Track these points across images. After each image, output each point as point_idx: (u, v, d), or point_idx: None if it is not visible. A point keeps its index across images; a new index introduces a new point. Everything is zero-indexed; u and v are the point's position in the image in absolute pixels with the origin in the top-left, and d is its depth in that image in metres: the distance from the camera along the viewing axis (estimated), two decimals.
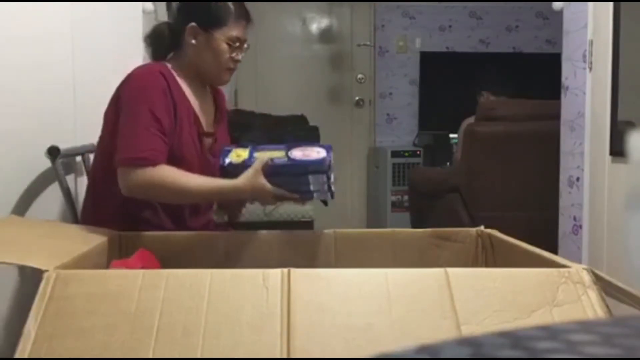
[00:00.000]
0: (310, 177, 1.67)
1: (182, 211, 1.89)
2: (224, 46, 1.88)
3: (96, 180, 1.93)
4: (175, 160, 1.78)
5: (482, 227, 1.76)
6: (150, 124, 1.74)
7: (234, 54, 1.90)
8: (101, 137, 1.92)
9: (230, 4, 1.90)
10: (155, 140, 1.73)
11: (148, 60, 2.03)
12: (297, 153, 1.69)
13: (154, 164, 1.71)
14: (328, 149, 1.71)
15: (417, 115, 5.60)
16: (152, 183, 1.70)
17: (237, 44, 1.90)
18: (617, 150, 2.51)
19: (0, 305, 1.91)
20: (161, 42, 1.97)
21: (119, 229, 1.73)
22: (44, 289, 1.13)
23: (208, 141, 1.95)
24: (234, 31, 1.89)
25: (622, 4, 2.48)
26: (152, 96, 1.77)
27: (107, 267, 1.55)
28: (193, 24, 1.89)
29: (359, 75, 5.63)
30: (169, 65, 1.90)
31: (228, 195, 1.76)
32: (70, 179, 2.25)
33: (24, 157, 2.07)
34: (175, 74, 1.88)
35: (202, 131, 1.93)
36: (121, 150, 1.73)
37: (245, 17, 1.93)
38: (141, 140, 1.72)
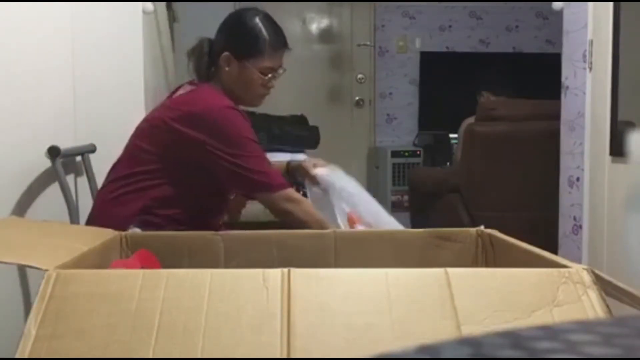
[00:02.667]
0: None
1: (209, 212, 1.97)
2: (257, 76, 1.91)
3: (120, 181, 1.93)
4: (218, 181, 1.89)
5: (482, 227, 1.76)
6: (262, 156, 1.90)
7: (265, 82, 1.94)
8: (147, 140, 1.92)
9: (266, 33, 1.92)
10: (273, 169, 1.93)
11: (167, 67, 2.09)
12: None
13: (288, 187, 1.90)
14: None
15: (417, 115, 5.60)
16: (299, 201, 1.88)
17: (271, 74, 1.93)
18: (617, 150, 2.51)
19: (0, 305, 1.91)
20: (201, 58, 1.99)
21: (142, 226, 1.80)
22: (44, 288, 1.13)
23: None
24: (267, 62, 1.92)
25: (622, 4, 2.48)
26: (250, 134, 1.88)
27: (107, 267, 1.55)
28: (227, 53, 1.91)
29: (359, 75, 5.63)
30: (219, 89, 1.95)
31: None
32: (70, 179, 2.25)
33: (24, 157, 2.07)
34: None
35: None
36: (267, 180, 1.85)
37: (282, 47, 1.96)
38: (270, 169, 1.89)
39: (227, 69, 1.92)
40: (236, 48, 1.92)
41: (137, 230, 1.80)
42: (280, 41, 1.95)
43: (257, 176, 1.85)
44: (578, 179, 2.85)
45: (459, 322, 1.08)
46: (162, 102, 2.08)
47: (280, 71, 1.98)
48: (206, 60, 1.97)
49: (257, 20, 1.94)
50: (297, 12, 5.53)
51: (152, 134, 1.91)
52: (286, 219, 1.88)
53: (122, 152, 1.99)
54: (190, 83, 2.00)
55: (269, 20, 1.97)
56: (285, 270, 1.15)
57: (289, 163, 2.16)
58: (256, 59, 1.90)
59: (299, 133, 3.58)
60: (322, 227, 1.81)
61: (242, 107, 1.99)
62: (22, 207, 2.04)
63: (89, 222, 1.94)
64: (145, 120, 2.00)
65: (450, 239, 1.76)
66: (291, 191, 1.88)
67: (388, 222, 1.92)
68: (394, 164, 5.17)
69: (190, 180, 1.89)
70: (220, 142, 1.82)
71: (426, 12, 5.67)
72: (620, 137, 2.48)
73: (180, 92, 1.97)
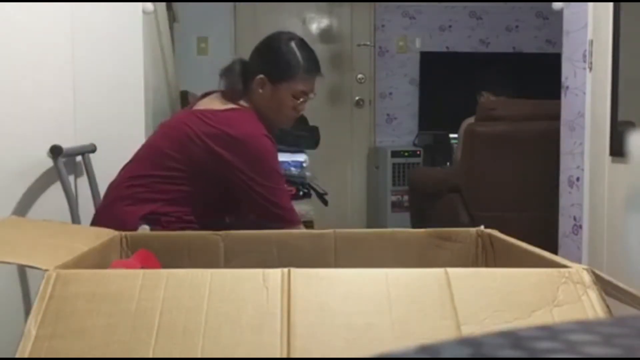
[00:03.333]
0: None
1: (219, 212, 2.01)
2: (289, 99, 1.95)
3: (137, 180, 1.95)
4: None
5: (482, 227, 1.76)
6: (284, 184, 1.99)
7: (296, 105, 1.97)
8: (175, 148, 1.94)
9: (300, 58, 1.96)
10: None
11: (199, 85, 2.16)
12: None
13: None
14: None
15: (417, 115, 5.60)
16: None
17: (302, 98, 1.97)
18: (617, 150, 2.51)
19: (0, 305, 1.91)
20: (233, 78, 2.02)
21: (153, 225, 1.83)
22: (44, 288, 1.13)
23: None
24: (300, 85, 1.95)
25: (622, 4, 2.48)
26: (279, 167, 1.97)
27: (107, 267, 1.55)
28: (262, 76, 1.95)
29: (359, 75, 5.63)
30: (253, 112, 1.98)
31: None
32: (70, 179, 2.25)
33: (25, 157, 2.07)
34: None
35: None
36: (287, 213, 1.95)
37: (315, 71, 1.99)
38: (288, 203, 1.97)
39: (260, 91, 1.97)
40: (271, 72, 1.96)
41: (146, 228, 1.82)
42: (313, 66, 2.00)
43: (276, 209, 1.93)
44: (578, 179, 2.85)
45: (459, 322, 1.08)
46: (189, 107, 2.11)
47: (312, 95, 2.02)
48: (239, 80, 2.01)
49: (293, 44, 1.99)
50: (297, 12, 5.53)
51: (181, 143, 1.93)
52: None
53: (139, 149, 2.00)
54: (224, 96, 2.02)
55: (304, 45, 2.02)
56: (285, 270, 1.15)
57: None
58: (290, 83, 1.95)
59: (299, 133, 3.57)
60: None
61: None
62: (22, 207, 2.04)
63: (98, 216, 1.95)
64: (171, 126, 2.01)
65: (450, 239, 1.76)
66: (300, 227, 1.97)
67: None
68: (394, 164, 5.17)
69: (210, 188, 1.93)
70: (252, 170, 1.88)
71: (426, 12, 5.67)
72: (620, 137, 2.48)
73: (213, 105, 1.99)
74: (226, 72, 2.04)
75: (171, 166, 1.91)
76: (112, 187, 2.01)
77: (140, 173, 1.95)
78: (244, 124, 1.93)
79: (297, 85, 1.95)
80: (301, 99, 1.97)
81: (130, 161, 2.01)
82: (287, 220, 1.93)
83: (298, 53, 1.97)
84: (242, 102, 1.99)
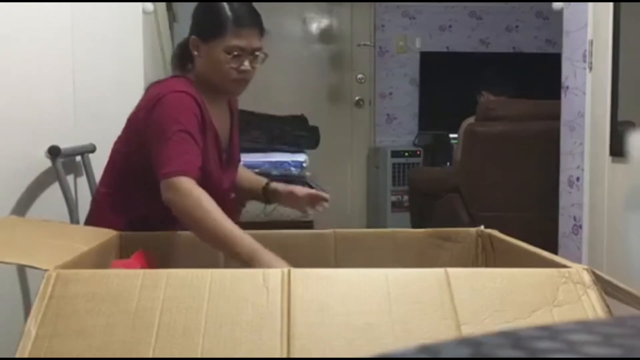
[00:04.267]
0: None
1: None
2: (223, 56, 1.82)
3: (114, 179, 1.91)
4: (202, 178, 1.78)
5: (482, 227, 1.76)
6: (186, 141, 1.72)
7: (235, 65, 1.84)
8: (123, 142, 1.90)
9: (229, 10, 1.84)
10: (192, 155, 1.72)
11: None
12: None
13: (190, 176, 1.67)
14: None
15: (417, 115, 5.60)
16: (176, 196, 1.64)
17: (237, 53, 1.83)
18: (617, 150, 2.51)
19: (0, 305, 1.91)
20: (180, 54, 1.96)
21: (136, 226, 1.77)
22: (44, 288, 1.13)
23: (224, 154, 1.96)
24: (232, 40, 1.82)
25: (622, 4, 2.48)
26: (187, 120, 1.75)
27: (107, 267, 1.55)
28: (193, 36, 1.87)
29: (359, 75, 5.63)
30: (194, 83, 1.88)
31: (234, 253, 1.59)
32: (70, 179, 2.25)
33: (24, 157, 2.07)
34: (197, 89, 1.87)
35: (222, 148, 1.93)
36: (160, 166, 1.69)
37: (249, 24, 1.85)
38: (177, 156, 1.69)
39: (196, 53, 1.87)
40: (201, 31, 1.86)
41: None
42: (246, 18, 1.84)
43: (160, 158, 1.69)
44: (578, 179, 2.85)
45: (459, 322, 1.08)
46: None
47: (259, 54, 1.88)
48: (184, 55, 1.92)
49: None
50: (297, 12, 5.53)
51: (124, 135, 1.89)
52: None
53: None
54: (173, 70, 1.98)
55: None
56: (285, 270, 1.16)
57: (267, 183, 2.08)
58: (220, 39, 1.82)
59: (299, 133, 3.57)
60: (205, 231, 1.61)
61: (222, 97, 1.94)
62: (22, 207, 2.04)
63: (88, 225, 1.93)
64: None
65: (450, 239, 1.76)
66: (181, 180, 1.64)
67: None
68: (394, 164, 5.17)
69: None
70: (154, 122, 1.75)
71: (426, 12, 5.66)
72: (620, 137, 2.48)
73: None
74: (175, 50, 1.98)
75: (123, 161, 1.87)
76: (95, 196, 1.98)
77: (108, 180, 1.92)
78: (161, 86, 1.85)
79: (228, 40, 1.81)
80: (235, 53, 1.82)
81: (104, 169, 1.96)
82: (165, 171, 1.67)
83: (226, 7, 1.84)
84: (184, 75, 1.92)
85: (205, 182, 1.77)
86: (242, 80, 1.88)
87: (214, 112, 1.91)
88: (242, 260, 1.54)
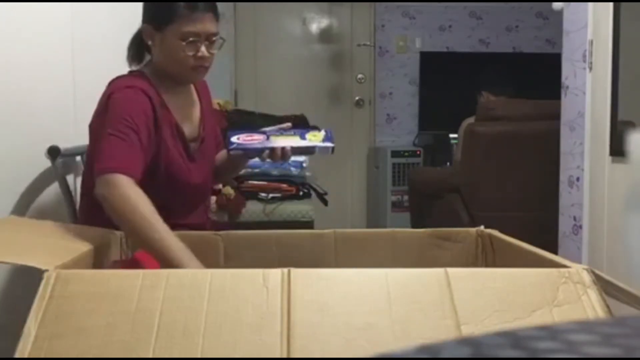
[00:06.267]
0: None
1: (174, 210, 1.82)
2: (177, 43, 1.76)
3: (88, 186, 1.87)
4: (162, 174, 1.76)
5: (482, 227, 1.76)
6: (129, 138, 1.68)
7: (191, 51, 1.78)
8: (88, 152, 1.87)
9: None
10: (133, 154, 1.67)
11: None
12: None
13: (128, 174, 1.63)
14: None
15: (417, 115, 5.60)
16: (122, 196, 1.60)
17: (193, 39, 1.77)
18: (617, 150, 2.51)
19: (0, 305, 1.91)
20: (135, 46, 1.91)
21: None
22: (44, 288, 1.13)
23: (194, 145, 1.89)
24: (185, 26, 1.75)
25: (622, 4, 2.48)
26: (134, 117, 1.71)
27: (107, 267, 1.55)
28: (145, 24, 1.82)
29: (359, 75, 5.63)
30: (147, 75, 1.84)
31: (166, 259, 1.54)
32: (70, 178, 2.25)
33: (24, 157, 2.07)
34: (154, 81, 1.82)
35: (186, 140, 1.87)
36: (99, 161, 1.66)
37: (203, 9, 1.78)
38: (117, 152, 1.66)
39: (150, 43, 1.82)
40: (152, 17, 1.81)
41: None
42: (198, 2, 1.77)
43: (101, 155, 1.66)
44: (578, 179, 2.85)
45: (459, 322, 1.08)
46: None
47: (216, 39, 1.81)
48: (136, 44, 1.88)
49: None
50: (297, 12, 5.53)
51: (90, 145, 1.86)
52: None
53: None
54: (130, 65, 1.93)
55: None
56: (285, 270, 1.16)
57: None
58: (174, 25, 1.76)
59: None
60: (135, 232, 1.57)
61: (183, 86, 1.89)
62: (22, 207, 2.04)
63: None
64: None
65: (450, 239, 1.76)
66: (119, 177, 1.60)
67: None
68: (394, 164, 5.17)
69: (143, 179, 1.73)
70: (100, 121, 1.73)
71: (426, 12, 5.66)
72: (620, 137, 2.48)
73: None
74: (129, 43, 1.92)
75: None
76: (80, 204, 1.95)
77: (85, 186, 1.90)
78: (112, 86, 1.80)
79: (181, 26, 1.75)
80: (190, 39, 1.76)
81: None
82: (99, 167, 1.63)
83: None
84: (140, 69, 1.88)
85: (170, 178, 1.76)
86: (200, 67, 1.81)
87: (176, 102, 1.86)
88: (171, 266, 1.49)
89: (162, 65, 1.83)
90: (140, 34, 1.86)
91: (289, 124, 1.89)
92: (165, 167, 1.78)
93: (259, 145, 1.79)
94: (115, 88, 1.78)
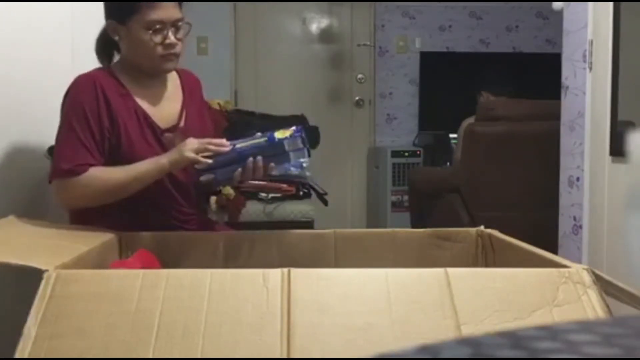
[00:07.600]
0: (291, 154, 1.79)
1: (142, 208, 1.81)
2: (144, 33, 1.74)
3: None
4: (125, 159, 1.75)
5: (482, 227, 1.76)
6: (75, 134, 1.71)
7: (159, 39, 1.75)
8: None
9: None
10: (80, 150, 1.71)
11: None
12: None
13: (77, 174, 1.69)
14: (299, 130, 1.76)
15: (417, 115, 5.60)
16: (82, 191, 1.72)
17: (158, 27, 1.74)
18: (617, 150, 2.51)
19: (0, 305, 1.91)
20: (102, 45, 1.89)
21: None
22: (44, 288, 1.13)
23: (169, 136, 1.85)
24: (149, 15, 1.73)
25: (622, 4, 2.48)
26: (82, 107, 1.73)
27: (107, 267, 1.55)
28: (109, 20, 1.80)
29: (359, 75, 5.63)
30: (112, 69, 1.83)
31: (155, 168, 1.70)
32: None
33: (24, 157, 2.07)
34: (118, 76, 1.82)
35: (159, 128, 1.84)
36: (55, 164, 1.72)
37: None
38: (66, 152, 1.72)
39: (117, 38, 1.80)
40: (115, 11, 1.79)
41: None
42: None
43: (54, 160, 1.74)
44: (578, 179, 2.85)
45: (459, 322, 1.08)
46: None
47: (182, 25, 1.79)
48: (102, 42, 1.87)
49: None
50: (297, 12, 5.53)
51: None
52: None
53: None
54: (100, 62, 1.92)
55: None
56: (285, 270, 1.16)
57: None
58: (137, 15, 1.74)
59: None
60: (119, 186, 1.70)
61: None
62: (22, 207, 2.04)
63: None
64: None
65: (450, 239, 1.76)
66: (71, 180, 1.71)
67: None
68: (394, 164, 5.17)
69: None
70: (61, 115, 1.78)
71: (426, 12, 5.66)
72: (620, 137, 2.48)
73: None
74: (96, 42, 1.90)
75: None
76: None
77: None
78: (70, 84, 1.81)
79: (144, 15, 1.72)
80: (157, 27, 1.73)
81: None
82: (53, 171, 1.72)
83: None
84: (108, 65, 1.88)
85: (134, 162, 1.74)
86: (170, 55, 1.79)
87: (146, 93, 1.84)
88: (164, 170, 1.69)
89: (132, 59, 1.82)
90: (105, 31, 1.84)
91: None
92: (127, 150, 1.77)
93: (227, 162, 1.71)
94: (69, 86, 1.80)
